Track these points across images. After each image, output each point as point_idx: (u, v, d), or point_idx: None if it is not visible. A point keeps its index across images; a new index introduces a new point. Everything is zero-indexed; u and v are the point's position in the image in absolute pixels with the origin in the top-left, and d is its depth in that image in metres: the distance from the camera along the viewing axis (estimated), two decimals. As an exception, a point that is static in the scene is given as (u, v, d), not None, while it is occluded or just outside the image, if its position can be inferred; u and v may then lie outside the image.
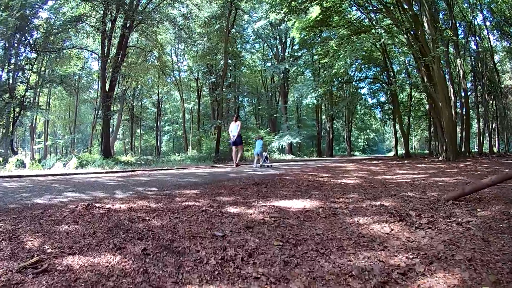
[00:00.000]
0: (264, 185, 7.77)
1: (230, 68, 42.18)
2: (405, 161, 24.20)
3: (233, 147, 18.66)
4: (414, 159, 27.84)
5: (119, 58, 27.22)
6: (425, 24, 23.02)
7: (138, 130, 62.79)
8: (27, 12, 25.30)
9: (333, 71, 32.81)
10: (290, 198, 6.03)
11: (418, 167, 16.34)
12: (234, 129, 18.04)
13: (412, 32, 24.69)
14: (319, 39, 34.99)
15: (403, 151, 46.84)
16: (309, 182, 8.75)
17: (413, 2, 23.92)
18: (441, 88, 22.82)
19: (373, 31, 27.23)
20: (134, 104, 53.87)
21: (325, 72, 34.21)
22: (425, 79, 24.68)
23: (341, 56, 29.58)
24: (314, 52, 36.78)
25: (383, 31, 26.17)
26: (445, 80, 25.67)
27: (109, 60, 27.19)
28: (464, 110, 33.14)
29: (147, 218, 4.24)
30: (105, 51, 26.86)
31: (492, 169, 13.56)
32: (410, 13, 23.10)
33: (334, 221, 4.36)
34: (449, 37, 27.17)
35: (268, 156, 20.46)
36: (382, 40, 24.99)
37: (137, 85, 43.87)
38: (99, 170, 15.99)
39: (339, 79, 41.99)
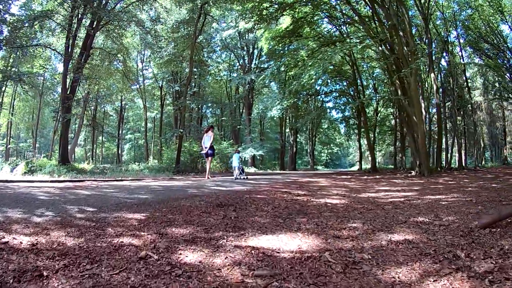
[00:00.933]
0: (232, 207, 5.93)
1: (195, 76, 40.50)
2: (377, 176, 23.00)
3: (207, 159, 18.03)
4: (383, 174, 26.63)
5: (82, 59, 25.31)
6: (402, 38, 21.73)
7: (100, 137, 60.37)
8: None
9: (303, 81, 31.43)
10: (272, 230, 4.32)
11: (397, 183, 14.73)
12: (206, 140, 17.41)
13: (387, 44, 23.57)
14: (288, 50, 33.69)
15: (368, 166, 46.08)
16: (287, 202, 7.03)
17: (391, 14, 22.61)
18: (417, 102, 21.69)
19: (348, 40, 26.02)
20: (97, 109, 51.45)
21: (294, 82, 32.69)
22: (399, 92, 23.39)
23: (311, 65, 28.21)
24: (282, 63, 35.22)
25: (357, 40, 24.97)
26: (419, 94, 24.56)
27: (71, 60, 25.25)
28: (431, 125, 32.47)
29: (46, 272, 2.54)
30: (69, 50, 24.79)
31: (478, 184, 12.52)
32: (390, 23, 21.72)
33: (362, 279, 2.70)
34: (426, 50, 26.35)
35: (243, 168, 19.84)
36: (359, 47, 23.49)
37: (100, 89, 41.24)
38: (45, 178, 14.36)
39: (306, 91, 41.07)
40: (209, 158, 17.73)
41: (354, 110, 43.13)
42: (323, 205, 6.85)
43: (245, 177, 18.20)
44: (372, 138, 45.86)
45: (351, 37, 27.91)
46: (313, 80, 34.12)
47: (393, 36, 22.20)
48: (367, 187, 12.69)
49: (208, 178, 17.20)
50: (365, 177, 22.04)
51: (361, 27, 26.33)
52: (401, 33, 21.67)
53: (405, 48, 21.34)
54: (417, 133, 22.32)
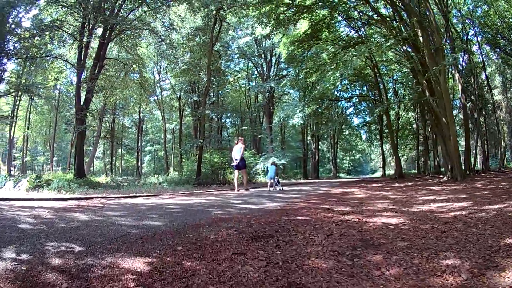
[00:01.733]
0: (273, 240, 4.32)
1: (214, 86, 39.55)
2: (408, 183, 20.97)
3: (236, 171, 17.36)
4: (412, 180, 24.75)
5: (96, 70, 24.07)
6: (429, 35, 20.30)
7: (120, 150, 59.85)
8: (10, 20, 22.50)
9: (327, 84, 29.83)
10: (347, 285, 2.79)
11: (438, 191, 12.91)
12: (237, 152, 16.80)
13: (411, 43, 22.13)
14: (308, 55, 32.16)
15: (391, 172, 44.52)
16: (339, 227, 5.42)
17: (414, 11, 21.11)
18: (447, 102, 20.02)
19: (372, 39, 24.54)
20: (116, 122, 50.78)
21: (318, 87, 31.08)
22: (427, 93, 21.75)
23: (334, 67, 26.75)
24: (303, 67, 33.62)
25: (382, 39, 23.36)
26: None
27: (85, 72, 24.47)
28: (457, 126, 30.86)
29: None
30: (81, 61, 23.70)
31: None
32: (414, 19, 20.11)
33: None
34: (460, 47, 24.86)
35: (279, 180, 19.11)
36: (386, 45, 21.62)
37: (116, 100, 40.15)
38: (49, 195, 12.75)
39: (328, 96, 39.61)
40: (242, 170, 17.22)
41: (375, 115, 41.72)
42: (383, 228, 5.31)
43: (281, 188, 17.84)
44: (396, 144, 43.74)
45: (375, 36, 26.50)
46: (338, 83, 32.85)
47: (417, 34, 20.60)
48: (410, 197, 11.02)
49: (246, 189, 17.03)
50: (396, 184, 20.30)
51: (382, 27, 24.86)
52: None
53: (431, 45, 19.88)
54: (448, 135, 20.52)
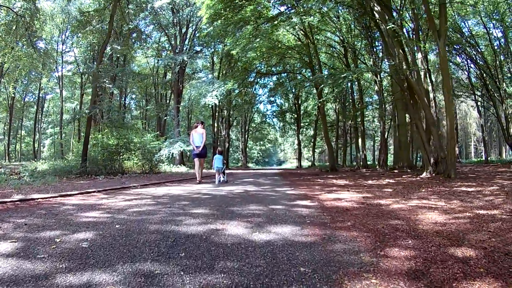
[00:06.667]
0: None
1: (118, 55, 34.11)
2: (390, 181, 14.34)
3: (196, 160, 14.49)
4: (366, 176, 18.31)
5: None
6: None
7: (20, 131, 54.69)
8: None
9: (255, 54, 24.83)
10: None
11: (490, 199, 6.71)
12: (198, 138, 14.17)
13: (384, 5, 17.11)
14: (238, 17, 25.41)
15: (306, 163, 46.07)
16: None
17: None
18: (445, 77, 14.91)
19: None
20: (15, 99, 46.08)
21: (257, 40, 24.60)
22: (404, 66, 16.44)
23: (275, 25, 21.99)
24: (234, 22, 26.86)
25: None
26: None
27: None
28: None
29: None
30: None
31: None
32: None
33: None
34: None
35: (224, 170, 15.72)
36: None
37: (6, 63, 32.99)
38: None
39: (254, 70, 35.03)
40: (202, 159, 14.51)
41: (291, 104, 40.54)
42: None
43: (226, 180, 14.89)
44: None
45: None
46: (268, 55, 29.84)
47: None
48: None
49: (199, 182, 13.97)
50: (370, 182, 13.83)
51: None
52: None
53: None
54: (431, 120, 15.98)
